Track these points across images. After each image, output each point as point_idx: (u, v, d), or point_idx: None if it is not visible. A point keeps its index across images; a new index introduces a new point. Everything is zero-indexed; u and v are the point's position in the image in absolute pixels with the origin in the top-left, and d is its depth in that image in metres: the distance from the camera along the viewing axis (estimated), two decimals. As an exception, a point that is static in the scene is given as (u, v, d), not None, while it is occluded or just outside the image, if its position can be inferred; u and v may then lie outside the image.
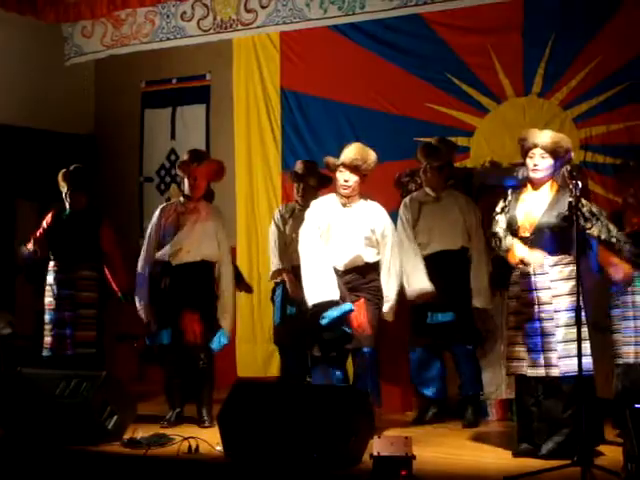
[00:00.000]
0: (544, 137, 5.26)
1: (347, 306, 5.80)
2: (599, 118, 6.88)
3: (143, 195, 9.13)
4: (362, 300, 5.94)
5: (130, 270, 6.72)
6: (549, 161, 5.23)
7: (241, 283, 7.09)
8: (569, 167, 5.19)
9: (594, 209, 5.19)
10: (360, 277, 6.01)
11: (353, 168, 5.94)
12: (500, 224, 5.33)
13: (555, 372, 5.11)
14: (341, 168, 5.98)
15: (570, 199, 4.89)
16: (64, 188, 6.99)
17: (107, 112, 9.51)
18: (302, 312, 6.23)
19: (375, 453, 4.65)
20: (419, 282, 6.33)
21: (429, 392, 6.57)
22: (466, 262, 6.48)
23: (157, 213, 6.57)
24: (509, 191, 5.47)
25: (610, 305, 5.85)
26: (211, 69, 8.95)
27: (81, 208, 6.98)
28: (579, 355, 4.75)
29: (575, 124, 6.97)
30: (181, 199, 6.55)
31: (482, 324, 6.57)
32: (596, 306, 5.73)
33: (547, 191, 5.28)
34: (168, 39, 8.50)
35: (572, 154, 5.38)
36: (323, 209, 6.09)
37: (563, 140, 5.31)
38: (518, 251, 5.20)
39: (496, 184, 6.50)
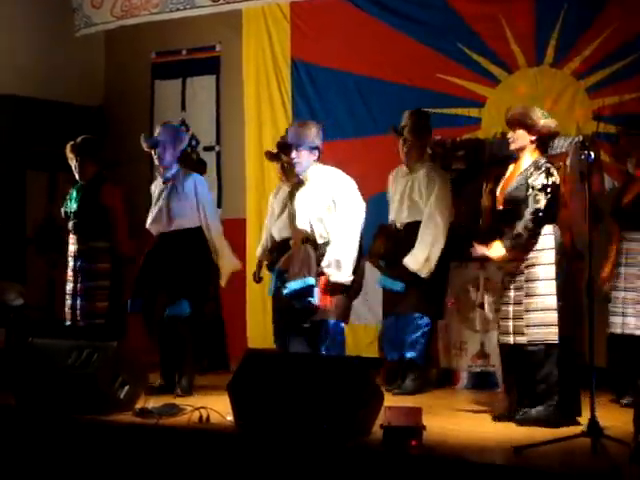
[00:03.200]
0: (508, 113, 5.42)
1: (309, 280, 5.94)
2: (612, 88, 6.83)
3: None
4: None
5: (140, 239, 6.73)
6: (520, 132, 5.33)
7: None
8: (581, 137, 5.20)
9: (536, 183, 5.19)
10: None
11: (295, 144, 6.09)
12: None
13: (522, 340, 5.23)
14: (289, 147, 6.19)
15: (531, 170, 5.16)
16: (72, 160, 6.98)
17: (117, 83, 9.50)
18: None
19: (385, 423, 4.66)
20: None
21: (393, 355, 6.63)
22: None
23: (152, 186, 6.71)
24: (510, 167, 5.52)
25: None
26: (221, 40, 8.91)
27: (89, 178, 6.98)
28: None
29: (588, 94, 6.93)
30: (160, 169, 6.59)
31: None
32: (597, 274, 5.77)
33: (525, 164, 5.35)
34: (178, 9, 8.44)
35: (548, 124, 5.34)
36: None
37: (522, 109, 5.39)
38: (478, 250, 5.36)
39: (507, 155, 6.46)
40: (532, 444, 4.51)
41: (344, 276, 5.97)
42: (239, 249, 7.60)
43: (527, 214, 5.18)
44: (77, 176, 6.99)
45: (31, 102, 8.77)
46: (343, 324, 6.16)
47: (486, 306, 6.65)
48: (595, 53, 6.87)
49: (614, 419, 5.00)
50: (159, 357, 6.50)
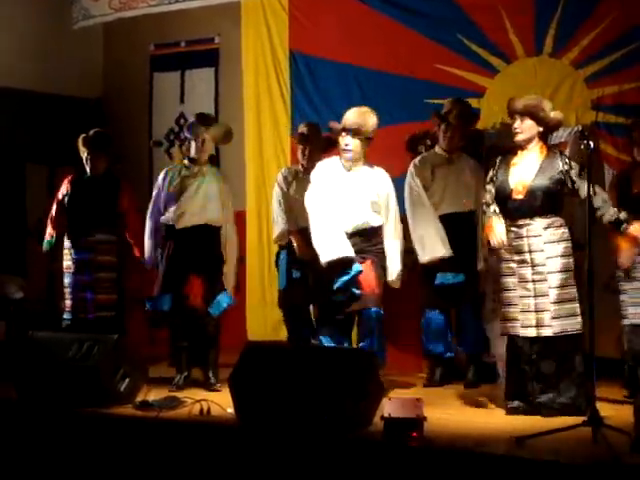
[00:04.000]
0: (519, 103, 5.39)
1: (357, 267, 5.86)
2: (611, 78, 6.81)
3: (153, 159, 9.12)
4: (369, 261, 5.99)
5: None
6: (528, 122, 5.34)
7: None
8: (580, 127, 5.20)
9: (582, 171, 5.19)
10: (366, 240, 6.06)
11: (354, 132, 5.97)
12: (487, 195, 5.49)
13: (547, 332, 5.24)
14: (342, 132, 6.02)
15: (561, 162, 5.19)
16: (84, 153, 6.99)
17: (115, 76, 9.48)
18: (306, 275, 6.25)
19: (386, 415, 4.67)
20: (434, 248, 6.35)
21: (438, 349, 6.57)
22: (474, 225, 6.47)
23: (161, 176, 6.59)
24: (498, 158, 5.51)
25: (615, 266, 5.86)
26: (220, 32, 8.90)
27: (101, 172, 6.98)
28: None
29: (587, 84, 6.91)
30: (186, 162, 6.53)
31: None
32: (606, 267, 5.74)
33: (537, 154, 5.37)
34: (176, 1, 8.44)
35: (558, 117, 5.38)
36: (328, 171, 6.12)
37: (533, 99, 5.38)
38: (487, 229, 5.39)
39: (506, 145, 6.45)
40: (533, 434, 4.52)
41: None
42: (238, 241, 7.58)
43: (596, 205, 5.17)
44: (88, 169, 6.99)
45: (29, 95, 8.75)
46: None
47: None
48: (594, 43, 6.86)
49: (614, 409, 5.01)
50: (182, 350, 6.45)
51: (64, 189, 7.07)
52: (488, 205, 5.48)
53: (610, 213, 5.24)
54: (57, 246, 7.07)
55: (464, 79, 7.36)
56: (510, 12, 7.14)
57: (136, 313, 7.65)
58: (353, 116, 6.02)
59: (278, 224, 6.88)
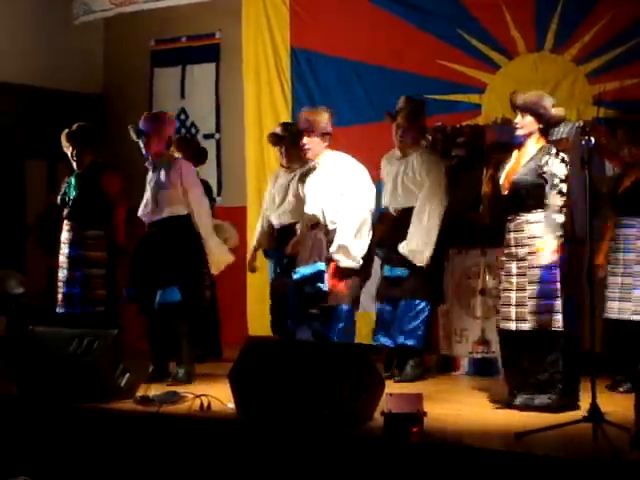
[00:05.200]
0: (520, 98, 5.37)
1: (319, 265, 5.94)
2: (612, 74, 6.82)
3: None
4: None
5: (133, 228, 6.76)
6: (528, 118, 5.32)
7: None
8: (582, 123, 5.19)
9: (558, 171, 5.18)
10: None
11: (306, 131, 6.10)
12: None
13: (526, 326, 5.23)
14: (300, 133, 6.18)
15: (546, 157, 5.16)
16: (68, 149, 6.95)
17: (116, 71, 9.48)
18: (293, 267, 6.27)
19: (386, 410, 4.66)
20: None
21: (387, 342, 6.62)
22: None
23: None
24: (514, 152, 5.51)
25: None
26: (221, 27, 8.90)
27: (88, 166, 6.96)
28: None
29: (588, 80, 6.92)
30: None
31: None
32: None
33: (531, 150, 5.35)
34: (177, -4, 8.45)
35: (559, 114, 5.37)
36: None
37: (533, 95, 5.36)
38: None
39: (508, 141, 6.45)
40: (533, 430, 4.51)
41: (352, 261, 5.98)
42: (240, 237, 7.58)
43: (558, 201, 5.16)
44: (74, 164, 6.96)
45: (30, 90, 8.75)
46: (354, 310, 6.16)
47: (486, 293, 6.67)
48: (595, 39, 6.86)
49: (615, 405, 5.00)
50: (149, 344, 6.46)
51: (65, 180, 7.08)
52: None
53: None
54: (57, 242, 7.07)
55: (465, 75, 7.36)
56: (511, 8, 7.15)
57: (132, 308, 7.65)
58: (303, 115, 6.23)
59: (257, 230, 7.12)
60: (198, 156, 7.36)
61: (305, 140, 6.12)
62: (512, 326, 5.28)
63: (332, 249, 5.97)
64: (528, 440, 4.43)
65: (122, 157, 8.25)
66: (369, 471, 4.45)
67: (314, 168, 6.15)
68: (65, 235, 6.94)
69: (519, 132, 5.38)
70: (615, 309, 5.85)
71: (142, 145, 6.43)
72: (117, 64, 9.46)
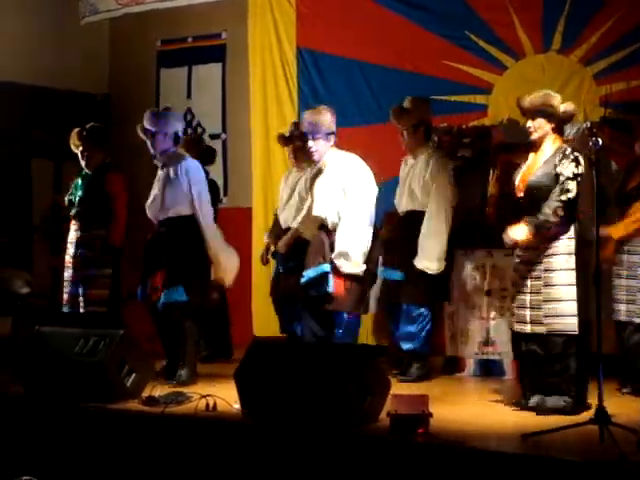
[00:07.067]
0: (525, 102, 5.34)
1: (324, 267, 5.90)
2: (619, 75, 6.80)
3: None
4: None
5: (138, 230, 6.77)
6: (540, 121, 5.30)
7: None
8: (589, 124, 5.17)
9: (566, 172, 5.16)
10: None
11: (311, 134, 6.04)
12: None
13: (541, 329, 5.21)
14: (304, 136, 6.14)
15: (558, 157, 5.15)
16: (79, 148, 6.97)
17: (122, 71, 9.48)
18: (299, 267, 6.23)
19: (392, 411, 4.66)
20: None
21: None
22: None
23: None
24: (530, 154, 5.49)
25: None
26: (227, 27, 8.90)
27: (96, 167, 6.97)
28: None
29: (595, 81, 6.90)
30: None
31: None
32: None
33: (547, 152, 5.32)
34: (183, -4, 8.44)
35: (568, 109, 5.34)
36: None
37: (542, 97, 5.32)
38: (508, 237, 5.31)
39: (514, 142, 6.44)
40: (539, 431, 4.51)
41: (354, 267, 5.94)
42: (245, 238, 7.60)
43: (556, 201, 5.13)
44: (83, 164, 6.98)
45: (36, 90, 8.76)
46: (358, 314, 6.14)
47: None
48: (602, 40, 6.84)
49: (622, 407, 5.00)
50: (162, 344, 6.46)
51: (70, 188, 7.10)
52: None
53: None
54: (63, 241, 7.08)
55: (471, 75, 7.35)
56: (518, 9, 7.13)
57: (137, 308, 7.67)
58: (306, 117, 6.14)
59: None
60: (206, 156, 7.36)
61: (310, 144, 6.07)
62: (527, 329, 5.26)
63: (333, 255, 5.94)
64: (534, 442, 4.44)
65: (127, 157, 8.28)
66: (375, 472, 4.45)
67: (321, 170, 6.11)
68: (72, 235, 6.96)
69: (533, 136, 5.35)
70: (623, 311, 5.82)
71: (149, 143, 6.41)
72: (123, 64, 9.47)
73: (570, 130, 6.23)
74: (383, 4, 7.74)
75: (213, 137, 8.95)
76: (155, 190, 6.42)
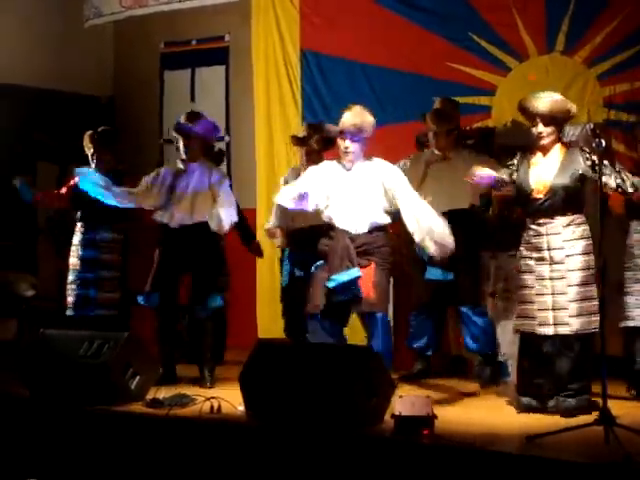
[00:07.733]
0: (542, 107, 5.30)
1: (355, 272, 5.67)
2: (623, 76, 6.79)
3: (163, 157, 9.13)
4: (372, 265, 5.76)
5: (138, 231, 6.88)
6: (551, 127, 5.32)
7: (252, 245, 7.19)
8: (592, 125, 5.18)
9: (605, 161, 5.15)
10: (371, 240, 5.80)
11: (352, 134, 5.76)
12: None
13: (566, 330, 5.21)
14: (341, 135, 5.81)
15: (582, 158, 5.17)
16: (90, 150, 7.00)
17: (126, 74, 9.50)
18: (309, 274, 6.15)
19: (397, 413, 4.67)
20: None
21: (418, 345, 6.66)
22: (473, 221, 6.48)
23: (162, 169, 6.58)
24: (518, 153, 5.48)
25: (623, 267, 5.85)
26: (230, 30, 8.91)
27: (107, 170, 6.99)
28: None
29: (599, 82, 6.90)
30: (178, 162, 6.50)
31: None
32: (619, 267, 5.74)
33: (557, 153, 5.35)
34: (187, -1, 8.46)
35: (573, 109, 5.35)
36: (325, 172, 5.92)
37: (561, 104, 5.33)
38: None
39: (517, 144, 6.44)
40: (544, 433, 4.51)
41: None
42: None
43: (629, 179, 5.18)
44: (92, 166, 7.00)
45: (40, 93, 8.77)
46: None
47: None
48: (606, 41, 6.84)
49: (626, 408, 5.00)
50: (161, 348, 6.46)
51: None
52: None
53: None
54: (68, 244, 7.09)
55: (475, 77, 7.35)
56: (521, 10, 7.13)
57: (143, 311, 7.68)
58: (350, 118, 5.78)
59: (270, 221, 7.02)
60: (215, 158, 7.36)
61: (347, 143, 5.74)
62: (550, 331, 5.25)
63: (435, 239, 5.68)
64: (539, 443, 4.44)
65: (131, 159, 8.29)
66: (380, 473, 4.45)
67: (351, 173, 5.84)
68: (78, 237, 6.96)
69: (544, 141, 5.35)
70: (636, 316, 5.74)
71: (181, 146, 6.40)
72: (127, 67, 9.48)
73: (574, 131, 6.26)
74: (386, 6, 7.74)
75: (217, 139, 8.95)
76: (179, 196, 6.36)
